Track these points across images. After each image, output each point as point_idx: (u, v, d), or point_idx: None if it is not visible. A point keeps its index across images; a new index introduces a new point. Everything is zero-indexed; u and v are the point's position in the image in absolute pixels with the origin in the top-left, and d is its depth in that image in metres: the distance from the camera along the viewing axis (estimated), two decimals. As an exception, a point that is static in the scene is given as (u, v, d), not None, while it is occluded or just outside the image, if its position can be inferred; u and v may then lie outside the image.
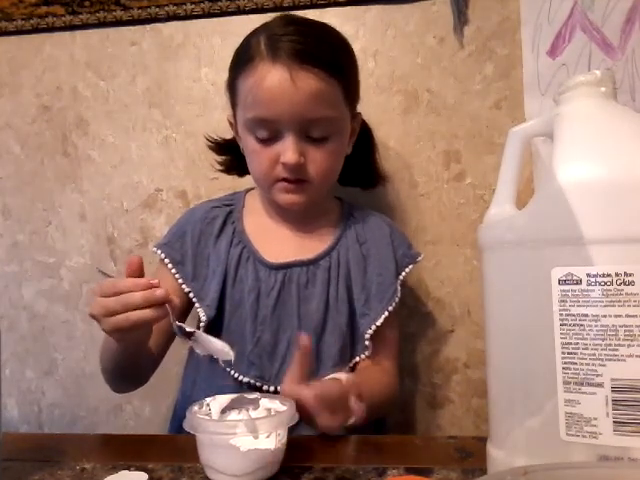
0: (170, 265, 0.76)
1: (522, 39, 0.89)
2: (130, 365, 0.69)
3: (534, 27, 0.89)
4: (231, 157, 0.86)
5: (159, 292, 0.54)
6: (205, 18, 0.95)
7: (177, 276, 0.75)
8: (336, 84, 0.69)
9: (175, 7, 0.96)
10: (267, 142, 0.71)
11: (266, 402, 0.55)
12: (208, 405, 0.54)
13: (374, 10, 0.93)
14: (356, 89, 0.77)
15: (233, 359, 0.53)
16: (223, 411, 0.55)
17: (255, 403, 0.56)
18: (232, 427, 0.48)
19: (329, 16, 0.94)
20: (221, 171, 0.88)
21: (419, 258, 0.80)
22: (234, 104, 0.75)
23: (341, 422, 0.59)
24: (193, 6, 0.95)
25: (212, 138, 0.86)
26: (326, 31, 0.74)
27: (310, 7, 0.93)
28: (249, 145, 0.73)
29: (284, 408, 0.53)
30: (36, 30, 1.00)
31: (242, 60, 0.71)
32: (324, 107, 0.69)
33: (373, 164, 0.87)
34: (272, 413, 0.53)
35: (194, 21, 0.96)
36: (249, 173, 0.84)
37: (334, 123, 0.71)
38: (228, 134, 0.84)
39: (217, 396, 0.56)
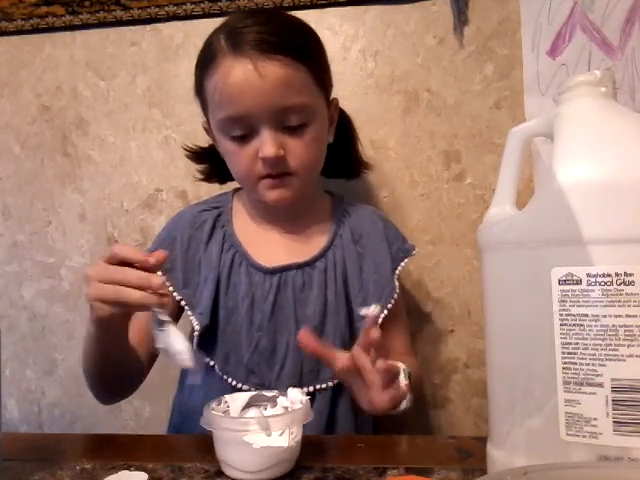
0: (160, 273, 0.74)
1: (522, 39, 0.89)
2: (111, 364, 0.66)
3: (534, 27, 0.89)
4: (210, 165, 0.84)
5: (156, 279, 0.53)
6: (205, 18, 0.95)
7: (167, 284, 0.73)
8: (304, 69, 0.67)
9: (175, 7, 0.96)
10: (243, 140, 0.68)
11: (284, 400, 0.55)
12: (226, 402, 0.55)
13: (374, 10, 0.94)
14: (326, 73, 0.74)
15: (192, 366, 0.52)
16: (242, 408, 0.55)
17: (273, 401, 0.56)
18: (245, 424, 0.49)
19: (329, 16, 0.94)
20: (202, 179, 0.86)
21: (414, 252, 0.79)
22: (205, 108, 0.73)
23: (393, 400, 0.58)
24: (193, 6, 0.95)
25: (189, 147, 0.85)
26: (286, 19, 0.72)
27: (310, 7, 0.93)
28: (226, 147, 0.71)
29: (300, 406, 0.53)
30: (36, 30, 1.00)
31: (205, 60, 0.69)
32: (295, 94, 0.66)
33: (354, 153, 0.86)
34: (288, 410, 0.54)
35: (194, 21, 0.96)
36: (230, 179, 0.83)
37: (309, 110, 0.68)
38: (206, 142, 0.83)
39: (235, 394, 0.56)
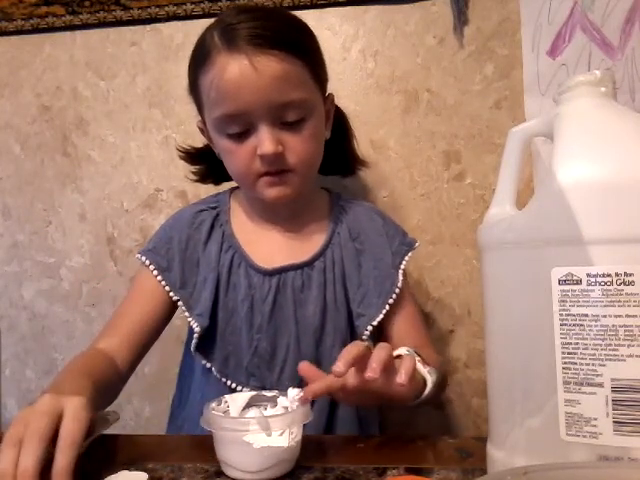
0: (156, 272, 0.73)
1: (522, 39, 0.89)
2: None
3: (534, 27, 0.89)
4: (205, 166, 0.84)
5: None
6: (205, 18, 0.95)
7: (163, 283, 0.73)
8: (300, 64, 0.66)
9: (175, 7, 0.96)
10: (240, 138, 0.67)
11: (284, 400, 0.55)
12: (226, 402, 0.55)
13: (374, 10, 0.93)
14: (322, 67, 0.73)
15: None
16: (243, 408, 0.55)
17: (273, 401, 0.56)
18: (245, 424, 0.49)
19: (329, 16, 0.94)
20: (196, 181, 0.85)
21: (416, 245, 0.78)
22: (200, 107, 0.72)
23: (410, 380, 0.54)
24: (193, 6, 0.95)
25: (183, 148, 0.84)
26: (279, 13, 0.72)
27: (310, 7, 0.93)
28: (222, 146, 0.70)
29: (296, 405, 0.53)
30: (36, 30, 1.00)
31: (199, 58, 0.68)
32: (292, 89, 0.65)
33: (350, 149, 0.85)
34: (288, 410, 0.53)
35: (194, 21, 0.96)
36: (225, 180, 0.83)
37: (306, 104, 0.67)
38: (199, 142, 0.83)
39: (235, 394, 0.56)
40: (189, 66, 0.71)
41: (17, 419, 0.47)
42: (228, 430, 0.49)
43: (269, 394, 0.57)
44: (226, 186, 0.84)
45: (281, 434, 0.49)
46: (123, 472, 0.51)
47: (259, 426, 0.48)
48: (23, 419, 0.47)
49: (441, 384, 0.68)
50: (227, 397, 0.55)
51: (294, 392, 0.54)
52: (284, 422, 0.49)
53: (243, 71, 0.63)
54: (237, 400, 0.55)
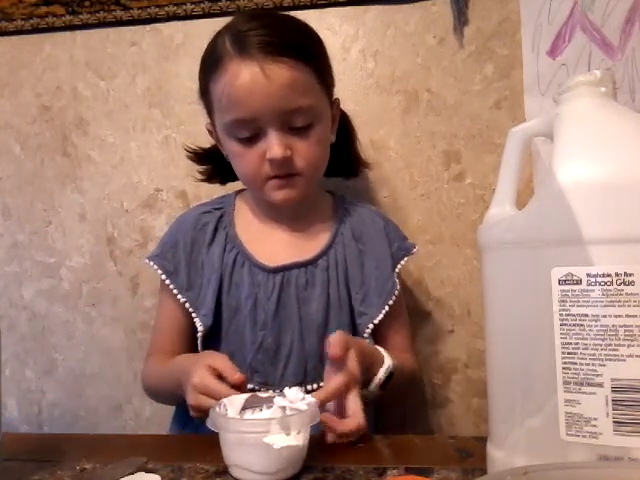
0: (164, 276, 0.76)
1: (522, 39, 0.89)
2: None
3: (534, 27, 0.89)
4: (212, 166, 0.85)
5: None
6: (205, 18, 0.95)
7: (171, 287, 0.75)
8: (309, 71, 0.68)
9: (175, 7, 0.96)
10: (250, 142, 0.69)
11: (280, 400, 0.55)
12: (225, 406, 0.54)
13: (374, 10, 0.93)
14: (329, 74, 0.75)
15: None
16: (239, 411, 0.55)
17: (269, 402, 0.56)
18: (266, 425, 0.49)
19: (329, 16, 0.94)
20: (202, 180, 0.87)
21: (414, 250, 0.80)
22: (210, 110, 0.74)
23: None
24: (193, 6, 0.95)
25: (191, 148, 0.85)
26: (290, 20, 0.73)
27: (310, 7, 0.93)
28: (232, 149, 0.72)
29: (297, 405, 0.53)
30: (36, 30, 1.00)
31: (210, 63, 0.70)
32: (301, 96, 0.68)
33: (353, 151, 0.86)
34: (287, 411, 0.54)
35: (194, 21, 0.96)
36: (231, 180, 0.85)
37: (314, 111, 0.70)
38: (207, 142, 0.83)
39: (232, 396, 0.56)
40: (200, 71, 0.73)
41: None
42: (247, 432, 0.49)
43: (265, 395, 0.57)
44: (229, 187, 0.85)
45: (298, 433, 0.49)
46: (139, 474, 0.51)
47: (280, 426, 0.48)
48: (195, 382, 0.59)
49: (403, 378, 0.72)
50: (225, 400, 0.55)
51: (293, 392, 0.54)
52: (302, 421, 0.50)
53: (254, 78, 0.65)
54: (235, 403, 0.55)
